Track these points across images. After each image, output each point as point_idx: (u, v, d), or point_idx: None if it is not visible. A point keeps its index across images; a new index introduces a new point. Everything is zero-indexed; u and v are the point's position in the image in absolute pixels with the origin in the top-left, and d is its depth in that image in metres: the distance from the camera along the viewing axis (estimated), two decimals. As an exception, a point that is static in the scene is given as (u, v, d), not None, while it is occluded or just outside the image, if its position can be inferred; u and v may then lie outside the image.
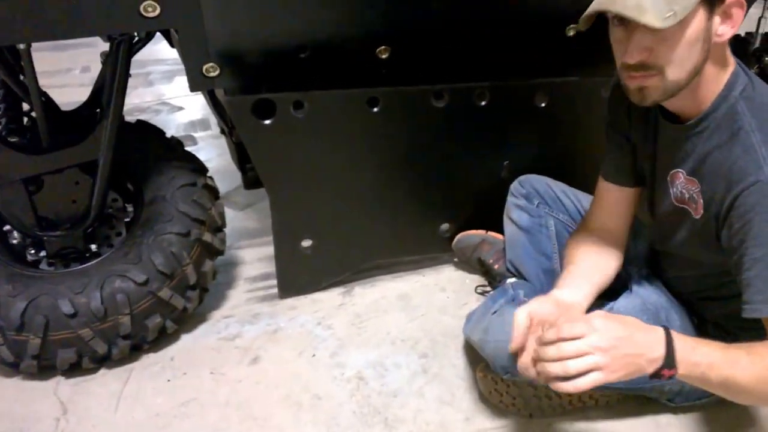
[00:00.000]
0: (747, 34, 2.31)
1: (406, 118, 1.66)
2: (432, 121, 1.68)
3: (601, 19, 1.08)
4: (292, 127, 1.57)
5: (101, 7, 1.28)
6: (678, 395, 1.37)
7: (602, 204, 1.39)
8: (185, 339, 1.66)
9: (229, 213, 2.09)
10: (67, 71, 3.43)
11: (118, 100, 1.52)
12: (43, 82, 1.51)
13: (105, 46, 1.54)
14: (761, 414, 1.40)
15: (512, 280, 1.59)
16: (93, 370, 1.56)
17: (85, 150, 1.54)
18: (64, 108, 1.71)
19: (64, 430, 1.41)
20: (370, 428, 1.40)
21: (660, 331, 1.02)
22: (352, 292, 1.79)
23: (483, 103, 1.69)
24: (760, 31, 2.29)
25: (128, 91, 1.53)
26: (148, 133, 1.73)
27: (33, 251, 1.63)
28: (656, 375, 1.01)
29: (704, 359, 1.01)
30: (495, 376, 1.38)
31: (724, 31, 1.05)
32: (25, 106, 1.81)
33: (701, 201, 1.14)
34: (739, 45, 2.28)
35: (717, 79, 1.10)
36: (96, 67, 1.64)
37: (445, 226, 1.82)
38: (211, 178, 1.69)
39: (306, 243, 1.72)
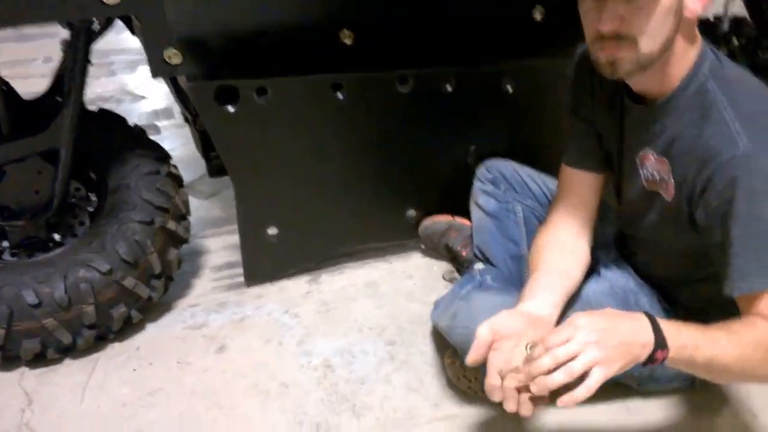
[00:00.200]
0: (716, 18, 2.33)
1: (371, 104, 1.65)
2: (397, 107, 1.68)
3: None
4: (255, 114, 1.55)
5: (61, -8, 1.26)
6: (649, 380, 1.38)
7: (568, 192, 1.37)
8: (151, 328, 1.65)
9: (194, 202, 2.06)
10: (29, 61, 3.39)
11: (79, 88, 1.50)
12: (5, 73, 1.49)
13: (67, 35, 1.51)
14: (730, 396, 1.42)
15: (480, 266, 1.59)
16: (58, 361, 1.54)
17: (46, 139, 1.52)
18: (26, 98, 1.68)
19: (29, 421, 1.39)
20: (337, 415, 1.40)
21: (642, 317, 1.01)
22: (318, 280, 1.79)
23: (449, 88, 1.68)
24: (728, 14, 2.31)
25: (91, 80, 1.51)
26: (110, 121, 1.70)
27: (-4, 241, 1.59)
28: (650, 359, 0.99)
29: (689, 341, 1.00)
30: (463, 363, 1.38)
31: (695, 6, 1.05)
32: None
33: (672, 182, 1.14)
34: (708, 29, 2.30)
35: (686, 56, 1.10)
36: (59, 58, 1.61)
37: (411, 213, 1.83)
38: (174, 166, 1.67)
39: (271, 231, 1.71)
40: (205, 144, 1.98)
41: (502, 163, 1.66)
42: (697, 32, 1.11)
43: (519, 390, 1.02)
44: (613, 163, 1.32)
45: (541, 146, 1.78)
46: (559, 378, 0.94)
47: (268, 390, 1.47)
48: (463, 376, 1.41)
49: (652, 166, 1.18)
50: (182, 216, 1.67)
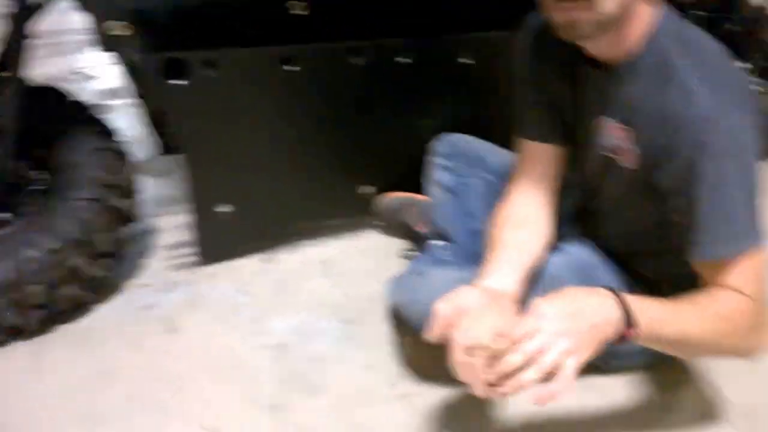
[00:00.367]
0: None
1: (324, 77, 1.61)
2: (351, 80, 1.64)
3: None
4: (205, 87, 1.51)
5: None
6: (613, 358, 1.33)
7: (527, 165, 1.34)
8: (101, 309, 1.60)
9: (147, 181, 2.01)
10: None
11: (17, 63, 1.44)
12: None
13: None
14: (693, 371, 1.41)
15: (438, 242, 1.57)
16: (5, 342, 1.49)
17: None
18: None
19: (-27, 406, 1.34)
20: (292, 395, 1.38)
21: (606, 293, 0.99)
22: (273, 258, 1.75)
23: (405, 60, 1.65)
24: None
25: (42, 61, 1.45)
26: (56, 97, 1.65)
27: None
28: (620, 338, 0.97)
29: (656, 315, 0.99)
30: (419, 340, 1.36)
31: None
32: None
33: (633, 149, 1.12)
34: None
35: (645, 17, 1.07)
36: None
37: (367, 189, 1.79)
38: (122, 143, 1.62)
39: (224, 208, 1.67)
40: (156, 121, 1.93)
41: (459, 137, 1.63)
42: None
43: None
44: (571, 133, 1.30)
45: (501, 120, 1.74)
46: (531, 377, 0.91)
47: (222, 370, 1.44)
48: (420, 354, 1.39)
49: (611, 133, 1.16)
50: (130, 193, 1.62)
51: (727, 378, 1.39)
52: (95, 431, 1.31)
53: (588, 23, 1.02)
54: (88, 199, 1.50)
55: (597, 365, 1.34)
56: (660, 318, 0.99)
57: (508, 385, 0.93)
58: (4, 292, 1.41)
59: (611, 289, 0.99)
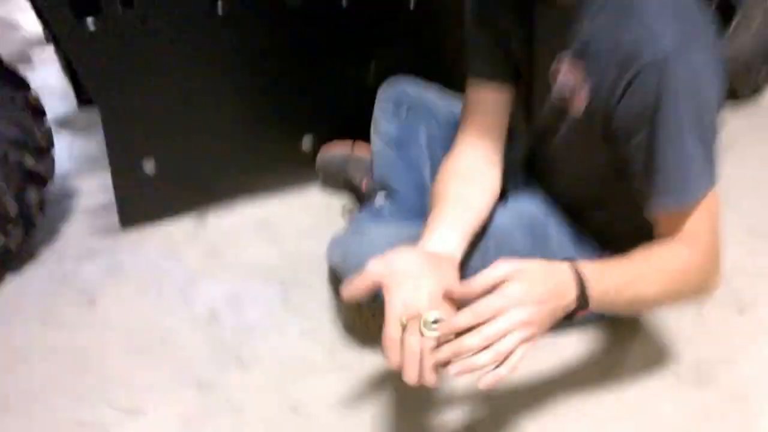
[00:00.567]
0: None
1: (256, 19, 1.45)
2: (287, 23, 1.48)
3: None
4: (121, 29, 1.33)
5: None
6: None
7: (474, 112, 1.22)
8: (11, 281, 1.45)
9: (67, 137, 1.86)
10: None
11: None
12: None
13: None
14: (643, 325, 1.34)
15: (381, 198, 1.45)
16: None
17: None
18: None
19: None
20: (222, 369, 1.26)
21: (567, 271, 0.90)
22: (205, 219, 1.61)
23: (344, 1, 1.50)
24: None
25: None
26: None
27: None
28: (568, 317, 0.92)
29: (611, 284, 0.93)
30: (359, 305, 1.25)
31: None
32: None
33: (586, 91, 1.02)
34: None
35: None
36: None
37: (307, 140, 1.65)
38: (35, 95, 1.44)
39: (148, 164, 1.51)
40: (72, 69, 1.75)
41: (406, 82, 1.50)
42: None
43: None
44: (523, 78, 1.19)
45: (448, 63, 1.61)
46: (485, 360, 0.83)
47: (145, 346, 1.31)
48: (360, 320, 1.28)
49: (564, 75, 1.06)
50: (43, 151, 1.46)
51: (675, 333, 1.33)
52: (1, 418, 1.17)
53: None
54: (-8, 159, 1.33)
55: None
56: (616, 286, 0.93)
57: (458, 366, 0.84)
58: None
59: (571, 263, 0.91)
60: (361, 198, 1.59)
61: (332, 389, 1.22)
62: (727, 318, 1.36)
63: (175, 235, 1.57)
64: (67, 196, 1.67)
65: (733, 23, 1.89)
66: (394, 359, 0.88)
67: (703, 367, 1.26)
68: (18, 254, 1.46)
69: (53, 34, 1.62)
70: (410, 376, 0.86)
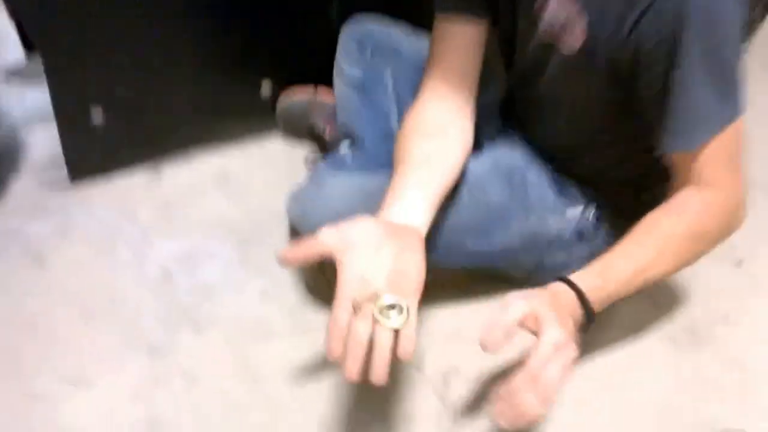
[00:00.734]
0: None
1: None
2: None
3: None
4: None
5: None
6: (537, 270, 1.20)
7: (444, 52, 1.11)
8: (-47, 242, 1.36)
9: (17, 87, 1.73)
10: None
11: None
12: None
13: None
14: None
15: (346, 147, 1.36)
16: None
17: None
18: None
19: None
20: (175, 333, 1.19)
21: (568, 291, 0.89)
22: (160, 173, 1.52)
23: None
24: None
25: None
26: None
27: None
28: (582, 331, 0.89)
29: (614, 285, 0.91)
30: (322, 264, 1.17)
31: None
32: None
33: (583, 26, 0.93)
34: None
35: None
36: None
37: (266, 85, 1.54)
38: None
39: (95, 113, 1.41)
40: (18, 15, 1.64)
41: (371, 21, 1.38)
42: None
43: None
44: (501, 13, 1.08)
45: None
46: (533, 399, 0.77)
47: (95, 309, 1.24)
48: (322, 278, 1.20)
49: (554, 9, 0.97)
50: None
51: (668, 290, 1.27)
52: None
53: None
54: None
55: (522, 279, 1.19)
56: (617, 284, 0.91)
57: (510, 417, 0.77)
58: None
59: (569, 284, 0.90)
60: (325, 147, 1.50)
61: (293, 354, 1.15)
62: (723, 273, 1.30)
63: (128, 190, 1.48)
64: (14, 150, 1.56)
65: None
66: (334, 349, 0.75)
67: (698, 327, 1.21)
68: (-41, 214, 1.37)
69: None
70: (350, 371, 0.74)
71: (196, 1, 1.39)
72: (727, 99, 0.90)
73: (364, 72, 1.35)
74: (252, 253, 1.34)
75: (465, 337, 1.18)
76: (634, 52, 0.89)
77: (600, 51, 0.94)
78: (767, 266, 1.33)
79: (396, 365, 0.76)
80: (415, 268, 0.83)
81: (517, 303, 0.82)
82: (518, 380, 0.77)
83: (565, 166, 1.17)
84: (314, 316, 1.22)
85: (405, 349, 0.76)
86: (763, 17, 1.40)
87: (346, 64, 1.38)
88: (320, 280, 1.24)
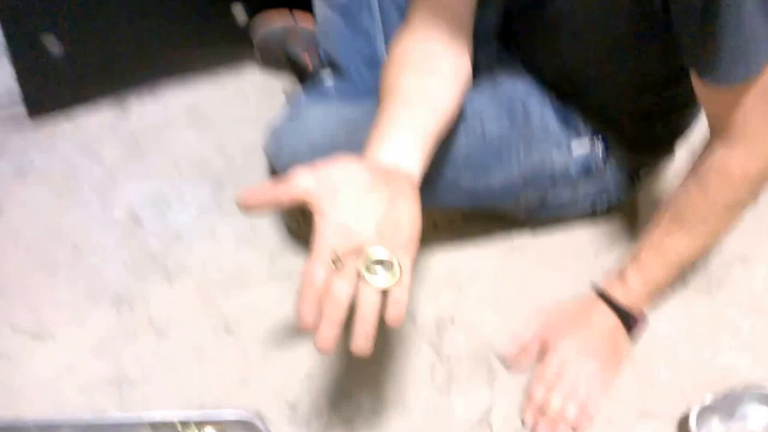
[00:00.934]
0: None
1: None
2: None
3: None
4: None
5: None
6: (538, 209, 1.11)
7: None
8: None
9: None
10: None
11: None
12: None
13: None
14: (637, 222, 1.17)
15: (328, 76, 1.23)
16: None
17: None
18: None
19: None
20: (144, 282, 1.10)
21: (594, 301, 0.98)
22: (127, 109, 1.39)
23: None
24: None
25: None
26: None
27: None
28: (633, 331, 0.98)
29: (651, 276, 0.95)
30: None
31: None
32: None
33: None
34: None
35: None
36: None
37: (238, 10, 1.40)
38: None
39: (50, 42, 1.28)
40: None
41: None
42: None
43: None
44: None
45: None
46: (574, 412, 0.93)
47: (56, 257, 1.14)
48: (303, 219, 1.10)
49: None
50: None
51: None
52: None
53: None
54: None
55: (521, 218, 1.12)
56: (655, 276, 0.95)
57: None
58: None
59: (593, 288, 0.99)
60: (306, 77, 1.37)
61: (271, 304, 1.06)
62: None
63: (92, 128, 1.35)
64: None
65: None
66: (305, 313, 0.62)
67: (713, 267, 1.11)
68: None
69: None
70: (324, 339, 0.62)
71: None
72: None
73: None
74: (227, 195, 1.23)
75: (460, 283, 1.09)
76: None
77: None
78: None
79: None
80: (408, 218, 0.69)
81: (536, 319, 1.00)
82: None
83: (571, 97, 1.06)
84: (296, 262, 1.12)
85: (395, 313, 0.64)
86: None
87: (325, -17, 1.24)
88: (301, 223, 1.13)
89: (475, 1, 0.95)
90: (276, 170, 1.05)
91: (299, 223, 1.13)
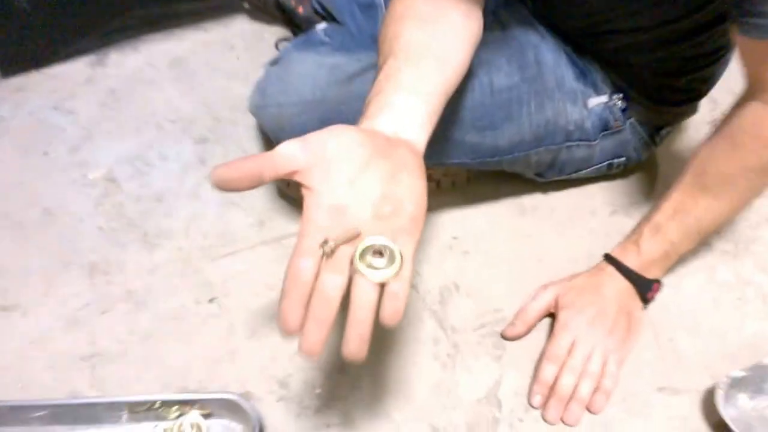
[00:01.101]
0: None
1: None
2: None
3: None
4: None
5: None
6: (550, 168, 1.02)
7: None
8: None
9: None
10: None
11: None
12: None
13: None
14: (655, 184, 1.09)
15: (322, 25, 1.13)
16: None
17: None
18: None
19: None
20: (121, 249, 1.01)
21: (605, 269, 0.91)
22: (105, 61, 1.29)
23: None
24: None
25: None
26: None
27: None
28: (647, 300, 0.91)
29: (668, 242, 0.87)
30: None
31: None
32: None
33: None
34: None
35: None
36: None
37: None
38: None
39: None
40: None
41: None
42: None
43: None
44: None
45: None
46: (588, 389, 0.86)
47: (26, 222, 1.05)
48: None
49: None
50: None
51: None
52: None
53: None
54: None
55: (531, 178, 1.04)
56: (675, 238, 0.87)
57: (573, 413, 0.84)
58: None
59: (605, 257, 0.92)
60: (298, 26, 1.27)
61: (259, 271, 0.98)
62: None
63: (68, 81, 1.26)
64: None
65: None
66: (290, 315, 0.53)
67: (738, 229, 1.03)
68: None
69: None
70: (311, 343, 0.53)
71: None
72: None
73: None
74: (211, 153, 1.14)
75: (465, 247, 1.00)
76: None
77: None
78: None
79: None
80: (411, 198, 0.59)
81: (543, 295, 0.91)
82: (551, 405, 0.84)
83: (590, 50, 0.97)
84: (287, 225, 1.03)
85: (391, 310, 0.54)
86: None
87: None
88: (291, 184, 1.04)
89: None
90: (261, 124, 0.96)
91: (290, 184, 1.03)
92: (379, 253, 0.55)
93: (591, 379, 0.85)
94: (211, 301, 0.95)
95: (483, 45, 0.87)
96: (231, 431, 0.81)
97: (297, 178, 0.57)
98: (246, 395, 0.84)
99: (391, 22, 0.75)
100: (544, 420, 0.84)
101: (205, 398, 0.80)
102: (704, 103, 1.01)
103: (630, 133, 1.00)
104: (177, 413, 0.80)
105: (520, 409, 0.85)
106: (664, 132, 1.05)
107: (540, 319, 0.92)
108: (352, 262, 0.54)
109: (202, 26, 1.34)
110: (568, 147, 0.99)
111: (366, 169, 0.58)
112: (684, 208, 0.85)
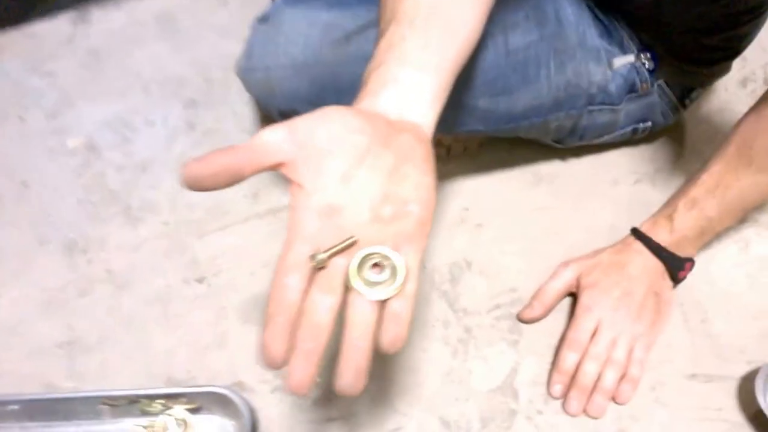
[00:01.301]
0: None
1: None
2: None
3: None
4: None
5: None
6: (570, 134, 0.94)
7: None
8: None
9: None
10: None
11: None
12: None
13: None
14: (684, 154, 1.00)
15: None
16: None
17: None
18: None
19: None
20: (102, 224, 0.94)
21: (633, 245, 0.84)
22: (87, 18, 1.20)
23: None
24: None
25: None
26: None
27: None
28: (678, 280, 0.84)
29: (704, 218, 0.80)
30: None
31: None
32: None
33: None
34: None
35: None
36: None
37: None
38: None
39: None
40: None
41: None
42: None
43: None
44: None
45: None
46: (613, 377, 0.80)
47: (1, 193, 0.96)
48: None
49: None
50: None
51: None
52: None
53: None
54: None
55: (549, 144, 0.96)
56: (708, 215, 0.80)
57: (596, 405, 0.78)
58: None
59: (632, 231, 0.85)
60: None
61: (252, 247, 0.90)
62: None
63: (47, 40, 1.16)
64: None
65: None
66: (273, 345, 0.44)
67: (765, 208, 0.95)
68: None
69: None
70: (300, 378, 0.44)
71: None
72: None
73: None
74: (202, 118, 1.05)
75: (478, 220, 0.92)
76: None
77: None
78: None
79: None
80: (418, 196, 0.49)
81: (563, 273, 0.85)
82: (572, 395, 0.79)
83: (614, 5, 0.88)
84: (282, 197, 0.95)
85: (392, 334, 0.45)
86: None
87: None
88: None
89: None
90: (247, 89, 0.87)
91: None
92: (378, 265, 0.46)
93: (616, 367, 0.79)
94: (199, 281, 0.87)
95: (500, 5, 0.77)
96: (221, 427, 0.74)
97: (283, 171, 0.48)
98: (238, 386, 0.77)
99: None
100: (566, 412, 0.77)
101: (193, 392, 0.73)
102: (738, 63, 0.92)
103: (658, 95, 0.93)
104: (162, 408, 0.73)
105: (538, 400, 0.79)
106: (694, 94, 0.97)
107: (560, 300, 0.85)
108: (347, 277, 0.46)
109: (191, -22, 1.24)
110: (590, 112, 0.90)
111: (364, 162, 0.49)
112: (725, 182, 0.77)
